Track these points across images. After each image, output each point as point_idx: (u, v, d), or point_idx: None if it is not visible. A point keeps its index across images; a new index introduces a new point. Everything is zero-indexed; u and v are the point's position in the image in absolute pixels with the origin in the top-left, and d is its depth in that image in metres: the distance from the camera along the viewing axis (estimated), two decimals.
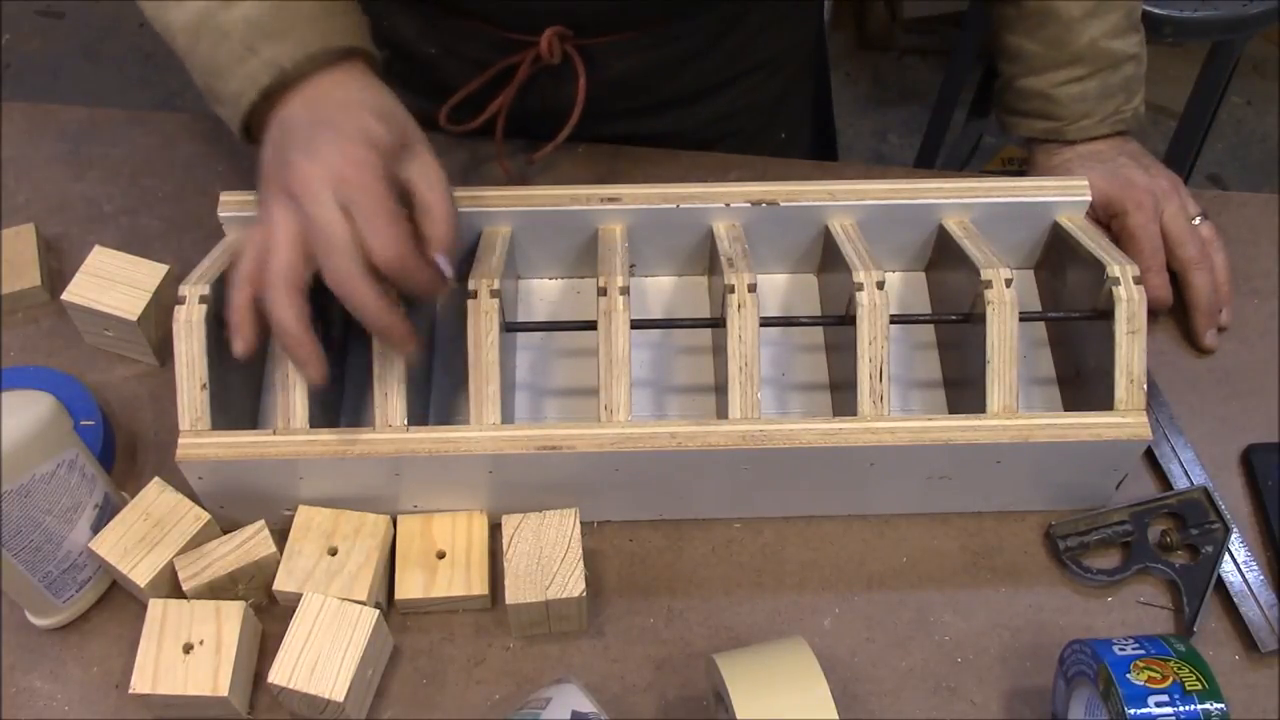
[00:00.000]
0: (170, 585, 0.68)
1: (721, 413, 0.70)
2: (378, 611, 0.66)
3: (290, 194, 0.63)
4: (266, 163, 0.66)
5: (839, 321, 0.74)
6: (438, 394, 0.78)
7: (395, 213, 0.63)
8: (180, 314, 0.68)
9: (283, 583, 0.68)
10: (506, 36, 0.82)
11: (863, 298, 0.70)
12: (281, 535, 0.70)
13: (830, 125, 1.11)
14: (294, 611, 0.66)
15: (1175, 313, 0.84)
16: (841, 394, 0.76)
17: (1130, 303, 0.70)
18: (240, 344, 0.64)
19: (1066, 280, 0.78)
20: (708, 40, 0.88)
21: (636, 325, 0.70)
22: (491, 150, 0.86)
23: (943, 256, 0.80)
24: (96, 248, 0.80)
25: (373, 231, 0.62)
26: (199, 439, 0.68)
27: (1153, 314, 0.82)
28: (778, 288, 0.84)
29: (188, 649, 0.65)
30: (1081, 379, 0.76)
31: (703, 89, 0.92)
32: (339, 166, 0.62)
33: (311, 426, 0.68)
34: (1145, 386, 0.70)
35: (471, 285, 0.70)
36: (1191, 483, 0.77)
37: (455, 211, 0.67)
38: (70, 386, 0.77)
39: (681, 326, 0.76)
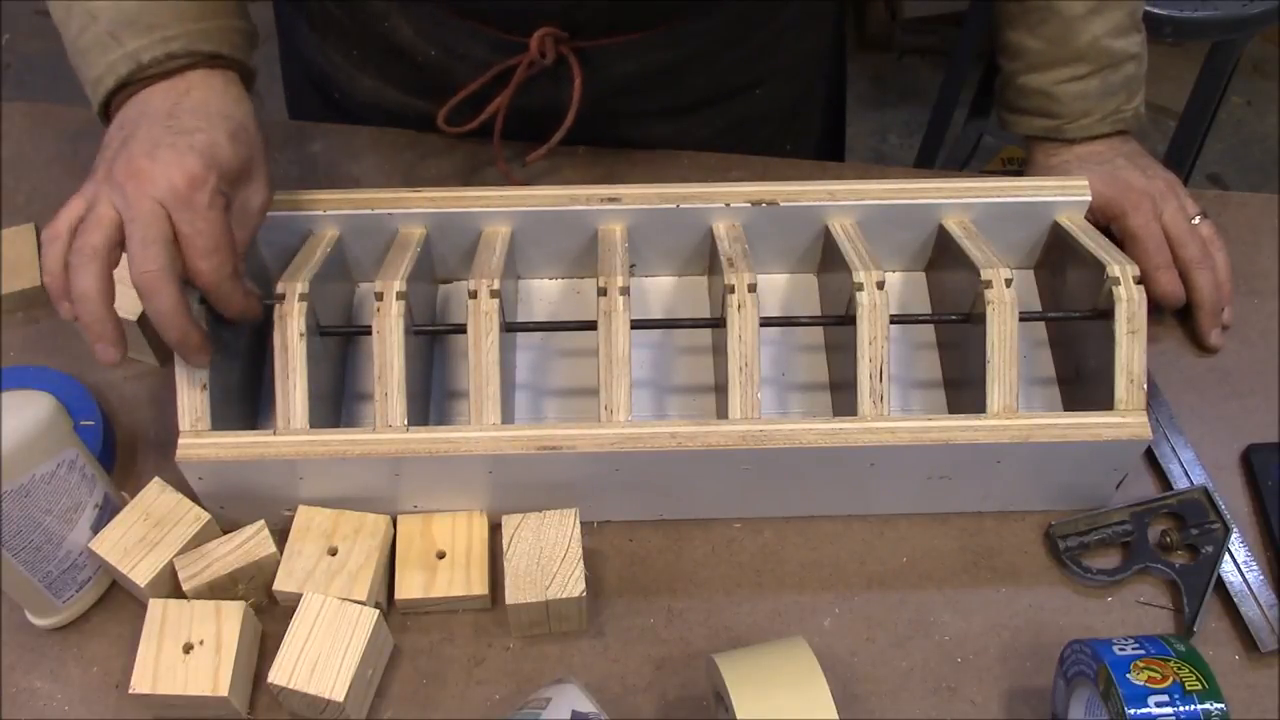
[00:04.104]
0: (170, 585, 0.68)
1: (721, 413, 0.70)
2: (378, 611, 0.66)
3: (118, 184, 0.62)
4: (111, 138, 0.66)
5: (839, 321, 0.74)
6: (435, 397, 0.78)
7: (220, 236, 0.64)
8: None
9: (283, 583, 0.68)
10: (504, 38, 0.82)
11: (863, 298, 0.70)
12: (281, 535, 0.70)
13: (840, 137, 1.09)
14: (294, 611, 0.66)
15: (1176, 313, 0.84)
16: (841, 394, 0.76)
17: (1130, 303, 0.70)
18: (66, 308, 0.63)
19: (1066, 280, 0.78)
20: (717, 46, 0.87)
21: (636, 325, 0.70)
22: (491, 153, 0.86)
23: (943, 256, 0.80)
24: None
25: (195, 251, 0.63)
26: (199, 439, 0.68)
27: (1160, 312, 0.82)
28: (778, 288, 0.84)
29: (188, 649, 0.65)
30: (1081, 379, 0.76)
31: (713, 96, 0.91)
32: (175, 178, 0.62)
33: (311, 426, 0.68)
34: (1145, 386, 0.70)
35: (471, 285, 0.70)
36: (1191, 483, 0.77)
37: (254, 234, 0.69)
38: (70, 386, 0.77)
39: (681, 326, 0.76)
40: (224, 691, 0.64)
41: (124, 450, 0.78)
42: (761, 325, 0.70)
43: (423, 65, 0.87)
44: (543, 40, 0.80)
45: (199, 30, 0.68)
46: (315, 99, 0.96)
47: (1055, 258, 0.81)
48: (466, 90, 0.83)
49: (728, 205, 0.77)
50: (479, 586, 0.69)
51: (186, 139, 0.64)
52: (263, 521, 0.70)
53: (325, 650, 0.64)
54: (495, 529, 0.72)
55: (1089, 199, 0.78)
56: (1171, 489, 0.77)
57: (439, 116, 0.83)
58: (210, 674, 0.64)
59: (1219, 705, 0.59)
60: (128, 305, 0.77)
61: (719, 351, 0.74)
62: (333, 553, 0.69)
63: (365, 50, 0.90)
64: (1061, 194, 0.78)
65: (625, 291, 0.70)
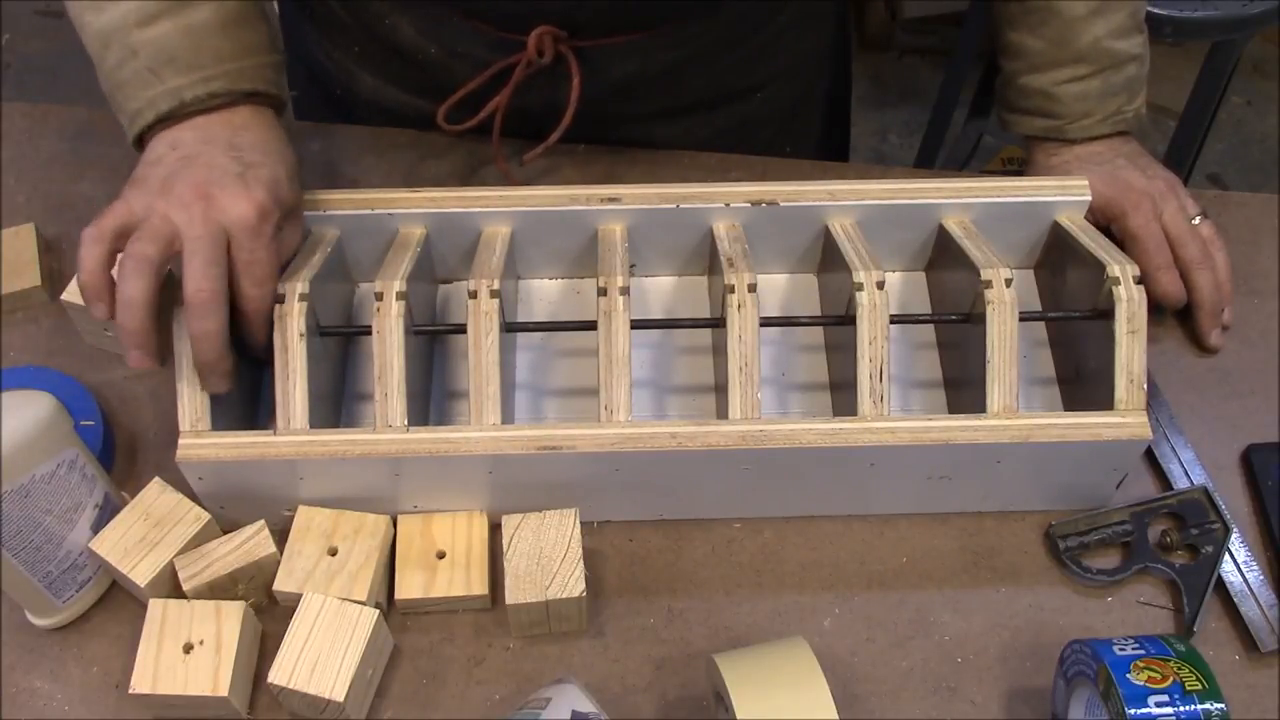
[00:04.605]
0: (170, 585, 0.68)
1: (721, 413, 0.70)
2: (378, 611, 0.66)
3: (183, 203, 0.65)
4: (161, 156, 0.68)
5: (839, 321, 0.74)
6: (436, 397, 0.78)
7: (274, 268, 0.68)
8: (180, 315, 0.68)
9: (283, 583, 0.68)
10: (504, 37, 0.82)
11: (863, 298, 0.70)
12: (281, 535, 0.70)
13: (845, 137, 1.09)
14: (294, 611, 0.66)
15: (1176, 313, 0.84)
16: (841, 394, 0.76)
17: (1130, 303, 0.70)
18: (102, 309, 0.64)
19: (1066, 280, 0.78)
20: (717, 47, 0.87)
21: (636, 325, 0.70)
22: (490, 152, 0.86)
23: (943, 256, 0.80)
24: None
25: (251, 279, 0.66)
26: (199, 439, 0.68)
27: (1160, 312, 0.82)
28: (778, 288, 0.84)
29: (188, 649, 0.65)
30: (1081, 379, 0.76)
31: (713, 98, 0.91)
32: (245, 208, 0.66)
33: (311, 427, 0.68)
34: (1145, 386, 0.70)
35: (471, 285, 0.70)
36: (1191, 483, 0.77)
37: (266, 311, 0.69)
38: (70, 386, 0.77)
39: (681, 326, 0.76)
40: (224, 691, 0.64)
41: (124, 450, 0.78)
42: (761, 325, 0.70)
43: (423, 64, 0.87)
44: (541, 39, 0.80)
45: (237, 70, 0.70)
46: (318, 97, 0.97)
47: (1055, 258, 0.81)
48: (466, 89, 0.83)
49: (728, 205, 0.77)
50: (479, 586, 0.69)
51: (255, 171, 0.67)
52: (263, 521, 0.70)
53: (325, 650, 0.64)
54: (495, 529, 0.72)
55: (1089, 199, 0.78)
56: (1171, 489, 0.77)
57: (439, 114, 0.83)
58: (210, 674, 0.64)
59: (1219, 705, 0.59)
60: None
61: (719, 351, 0.74)
62: (333, 553, 0.69)
63: (366, 48, 0.90)
64: (1061, 194, 0.78)
65: (625, 291, 0.70)
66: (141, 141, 0.70)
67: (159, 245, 0.64)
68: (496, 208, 0.77)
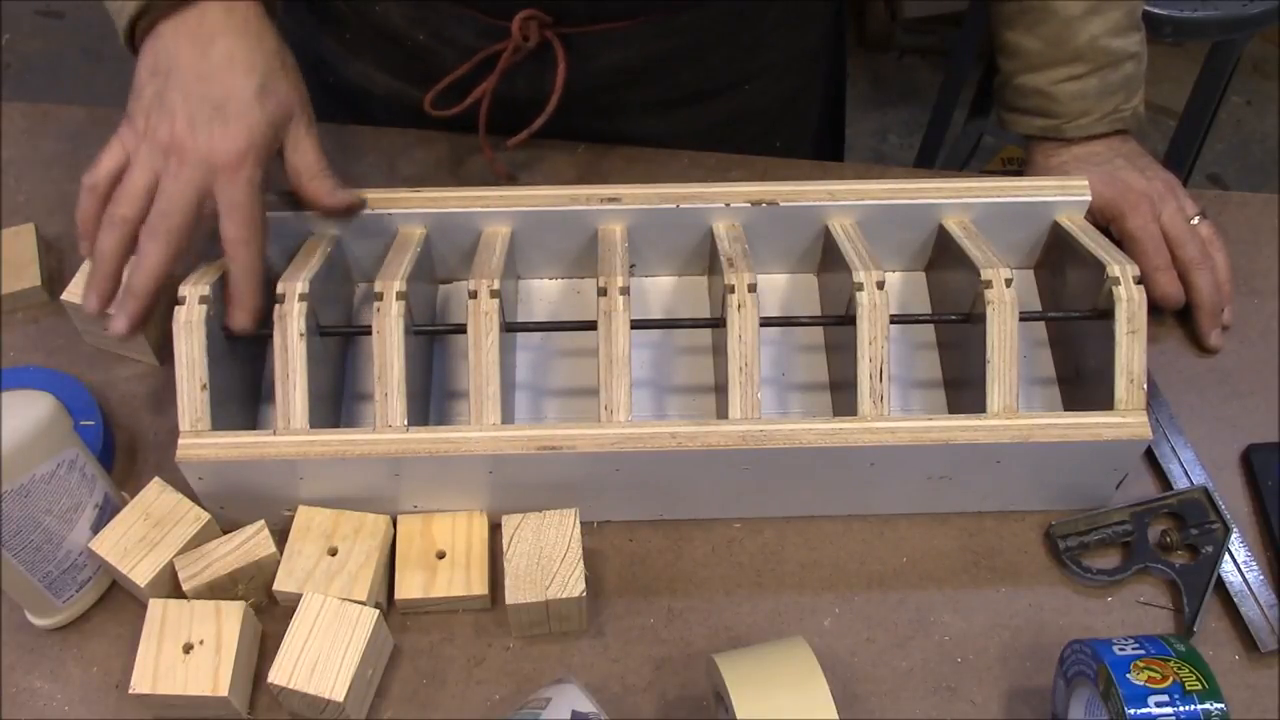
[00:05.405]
0: (170, 585, 0.68)
1: (721, 413, 0.70)
2: (378, 611, 0.66)
3: (163, 150, 0.67)
4: (143, 83, 0.69)
5: (839, 321, 0.74)
6: (434, 397, 0.78)
7: (256, 220, 0.68)
8: (180, 314, 0.68)
9: (283, 583, 0.68)
10: (491, 22, 0.82)
11: (863, 298, 0.70)
12: (281, 535, 0.70)
13: (840, 136, 1.09)
14: (294, 611, 0.66)
15: (1176, 313, 0.84)
16: (841, 394, 0.76)
17: (1130, 303, 0.70)
18: (86, 247, 0.69)
19: (1066, 280, 0.79)
20: (706, 40, 0.87)
21: (636, 325, 0.70)
22: (476, 143, 0.86)
23: (943, 256, 0.80)
24: None
25: (230, 223, 0.67)
26: (199, 439, 0.68)
27: (1158, 313, 0.82)
28: (778, 288, 0.84)
29: (188, 649, 0.65)
30: (1081, 379, 0.76)
31: (703, 90, 0.91)
32: (217, 157, 0.67)
33: (311, 426, 0.68)
34: (1145, 386, 0.70)
35: (471, 285, 0.70)
36: (1191, 483, 0.77)
37: (330, 185, 0.72)
38: (70, 386, 0.77)
39: (681, 326, 0.76)
40: (224, 691, 0.64)
41: (124, 450, 0.78)
42: (761, 325, 0.70)
43: (412, 50, 0.87)
44: (525, 24, 0.80)
45: None
46: (313, 85, 0.96)
47: (1055, 258, 0.81)
48: (454, 74, 0.83)
49: (728, 205, 0.77)
50: (479, 586, 0.69)
51: (219, 110, 0.67)
52: (263, 521, 0.70)
53: (325, 650, 0.64)
54: (495, 529, 0.72)
55: (1089, 199, 0.78)
56: (1171, 489, 0.77)
57: (425, 100, 0.83)
58: (210, 674, 0.64)
59: (1219, 705, 0.59)
60: None
61: (719, 351, 0.74)
62: (333, 553, 0.69)
63: (359, 34, 0.90)
64: (1061, 194, 0.78)
65: (625, 291, 0.70)
66: (134, 43, 0.71)
67: (134, 206, 0.67)
68: (496, 208, 0.77)
